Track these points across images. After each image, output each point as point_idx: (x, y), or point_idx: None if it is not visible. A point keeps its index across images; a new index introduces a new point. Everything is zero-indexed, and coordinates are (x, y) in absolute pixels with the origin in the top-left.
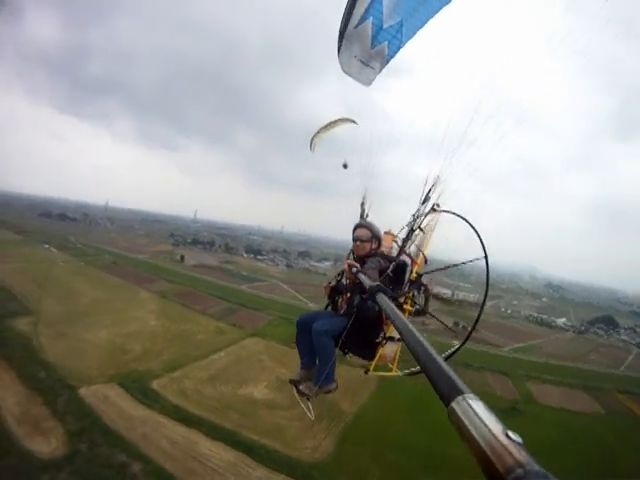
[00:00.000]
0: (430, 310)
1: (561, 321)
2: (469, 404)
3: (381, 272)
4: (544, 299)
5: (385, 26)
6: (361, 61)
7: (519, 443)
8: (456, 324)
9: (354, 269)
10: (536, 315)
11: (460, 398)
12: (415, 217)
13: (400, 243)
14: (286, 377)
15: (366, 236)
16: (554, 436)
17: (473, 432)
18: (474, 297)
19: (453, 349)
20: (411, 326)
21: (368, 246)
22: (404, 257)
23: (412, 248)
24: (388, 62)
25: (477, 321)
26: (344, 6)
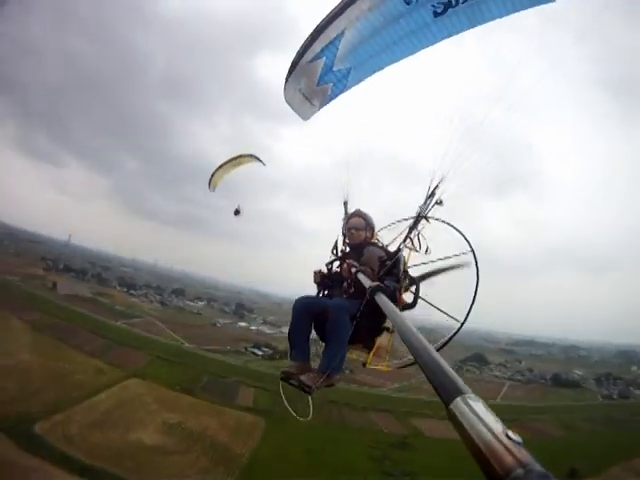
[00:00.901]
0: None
1: None
2: (469, 404)
3: (385, 261)
4: None
5: (335, 69)
6: (304, 95)
7: (519, 443)
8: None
9: (354, 269)
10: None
11: (460, 398)
12: (422, 208)
13: (382, 241)
14: (173, 421)
15: (361, 224)
16: (446, 463)
17: (473, 432)
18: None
19: (446, 338)
20: (411, 325)
21: (363, 234)
22: (403, 249)
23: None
24: (328, 103)
25: (471, 307)
26: (304, 39)
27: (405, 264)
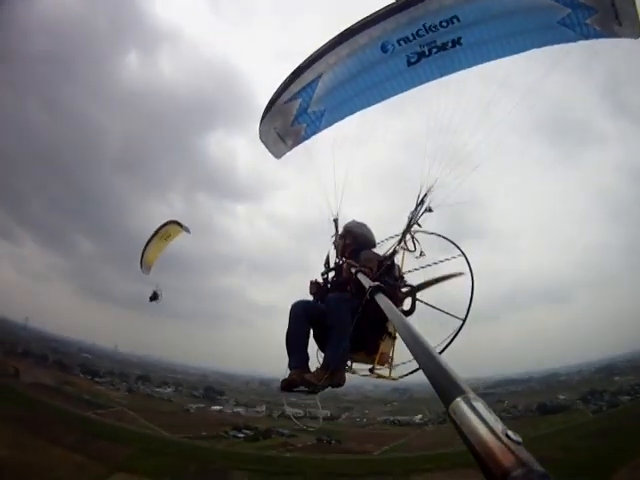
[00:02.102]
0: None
1: (417, 418)
2: (469, 404)
3: (382, 261)
4: (395, 403)
5: (309, 110)
6: (278, 134)
7: (519, 442)
8: None
9: (354, 269)
10: (392, 418)
11: (460, 398)
12: (413, 215)
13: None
14: None
15: (368, 234)
16: None
17: (473, 432)
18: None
19: (449, 337)
20: (410, 325)
21: (342, 242)
22: (399, 250)
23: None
24: (300, 143)
25: (470, 305)
26: (281, 80)
27: (400, 269)
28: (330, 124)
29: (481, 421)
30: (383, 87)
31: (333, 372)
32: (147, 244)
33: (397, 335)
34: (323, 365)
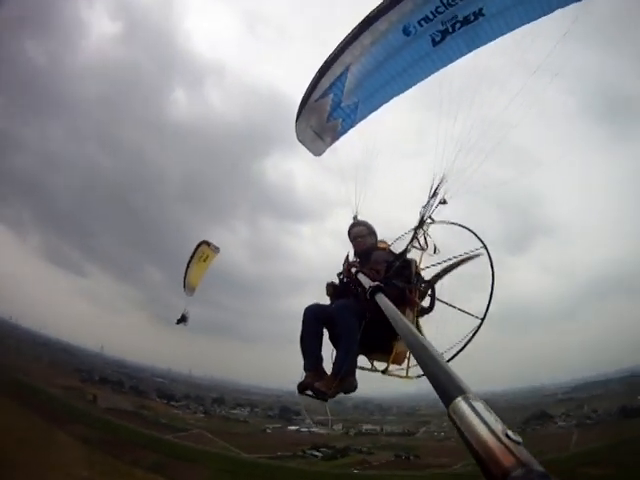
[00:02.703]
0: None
1: None
2: (469, 404)
3: (391, 263)
4: None
5: (343, 104)
6: (315, 132)
7: (519, 443)
8: None
9: (354, 269)
10: None
11: (460, 398)
12: (425, 209)
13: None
14: None
15: (365, 232)
16: None
17: (473, 432)
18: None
19: (468, 336)
20: (411, 325)
21: (369, 240)
22: (411, 249)
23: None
24: (338, 138)
25: (489, 302)
26: (310, 78)
27: (417, 267)
28: (365, 116)
29: (481, 421)
30: (412, 71)
31: (342, 379)
32: (187, 266)
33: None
34: (332, 373)
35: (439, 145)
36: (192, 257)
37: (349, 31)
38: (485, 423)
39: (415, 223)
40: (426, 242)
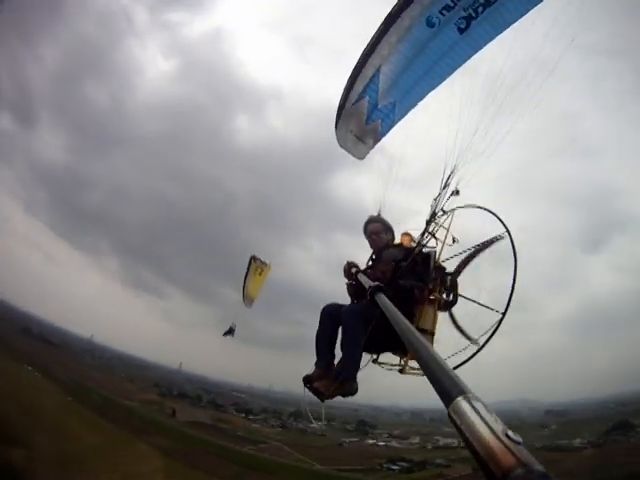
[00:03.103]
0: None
1: (577, 442)
2: (469, 404)
3: (399, 262)
4: (553, 426)
5: (380, 105)
6: (356, 136)
7: (519, 442)
8: None
9: (354, 269)
10: (550, 444)
11: (460, 398)
12: (437, 201)
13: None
14: None
15: (380, 228)
16: None
17: (473, 432)
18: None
19: (490, 330)
20: (411, 326)
21: (384, 237)
22: (426, 244)
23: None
24: (380, 139)
25: (511, 295)
26: (344, 84)
27: (436, 261)
28: (404, 114)
29: (481, 421)
30: (444, 63)
31: (341, 383)
32: (245, 279)
33: (435, 332)
34: (333, 376)
35: (451, 130)
36: (247, 272)
37: (374, 32)
38: (485, 423)
39: (427, 217)
40: (448, 233)
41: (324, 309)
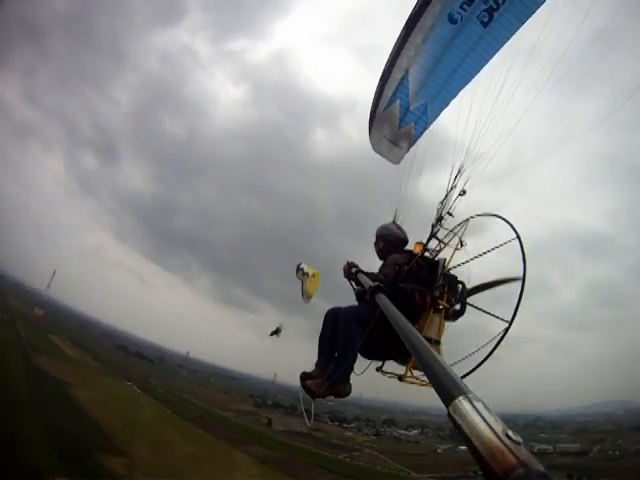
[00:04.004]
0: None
1: None
2: (469, 404)
3: (402, 265)
4: None
5: (411, 108)
6: (390, 141)
7: (519, 442)
8: None
9: (354, 269)
10: None
11: (460, 398)
12: (443, 204)
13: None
14: None
15: (375, 240)
16: None
17: (473, 431)
18: None
19: (495, 340)
20: (412, 327)
21: (376, 248)
22: (432, 249)
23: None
24: (415, 142)
25: (519, 303)
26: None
27: (445, 267)
28: (437, 115)
29: (482, 421)
30: (471, 59)
31: (333, 384)
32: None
33: (441, 341)
34: (325, 375)
35: (457, 129)
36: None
37: (399, 34)
38: (486, 423)
39: (433, 220)
40: (461, 240)
41: (327, 312)
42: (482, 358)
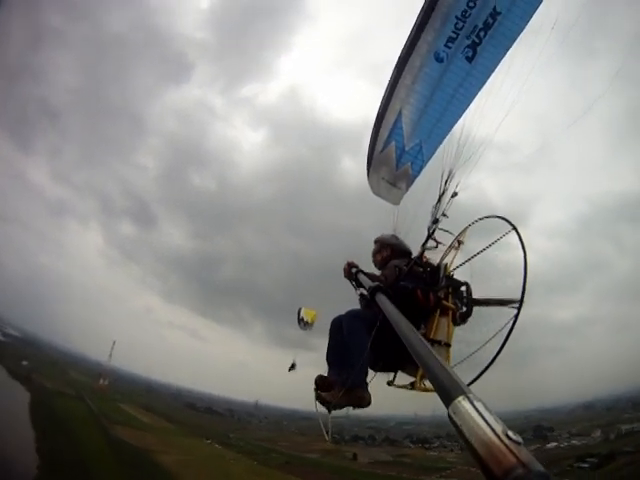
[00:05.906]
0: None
1: None
2: (470, 404)
3: (401, 268)
4: None
5: (407, 148)
6: (389, 182)
7: (519, 443)
8: None
9: (354, 269)
10: None
11: (460, 398)
12: (437, 207)
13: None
14: None
15: (375, 249)
16: None
17: (473, 432)
18: None
19: (509, 324)
20: (412, 327)
21: (379, 256)
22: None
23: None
24: (413, 181)
25: (523, 292)
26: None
27: (446, 269)
28: (432, 153)
29: (482, 421)
30: (461, 94)
31: (349, 391)
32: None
33: (451, 344)
34: (339, 382)
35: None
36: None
37: (389, 76)
38: (486, 423)
39: (429, 223)
40: (435, 241)
41: (332, 321)
42: (496, 351)
